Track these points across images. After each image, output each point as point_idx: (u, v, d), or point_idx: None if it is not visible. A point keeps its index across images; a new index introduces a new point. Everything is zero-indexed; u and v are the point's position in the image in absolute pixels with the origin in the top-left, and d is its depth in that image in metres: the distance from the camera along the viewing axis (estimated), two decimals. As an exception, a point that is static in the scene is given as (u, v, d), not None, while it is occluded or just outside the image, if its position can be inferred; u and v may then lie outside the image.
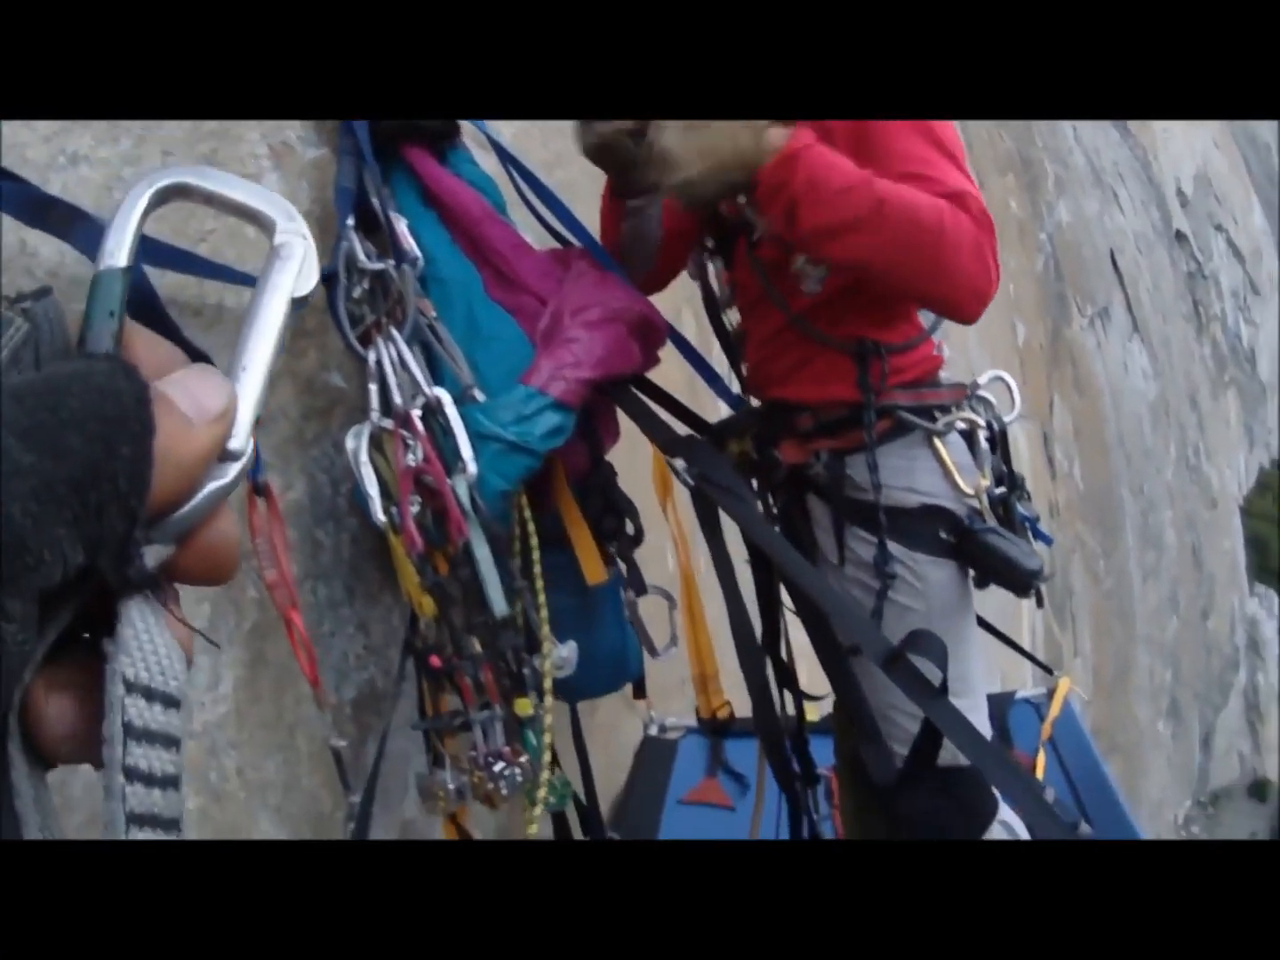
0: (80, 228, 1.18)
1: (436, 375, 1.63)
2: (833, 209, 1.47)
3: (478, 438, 1.54)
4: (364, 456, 1.55)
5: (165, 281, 1.39)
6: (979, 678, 1.75)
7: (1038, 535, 1.85)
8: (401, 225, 1.67)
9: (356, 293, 1.61)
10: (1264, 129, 17.36)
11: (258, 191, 0.44)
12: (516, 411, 1.55)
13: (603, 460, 1.85)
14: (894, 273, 1.53)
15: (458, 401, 1.57)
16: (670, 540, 2.06)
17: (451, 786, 1.59)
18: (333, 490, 1.70)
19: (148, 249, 1.28)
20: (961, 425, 1.73)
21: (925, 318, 1.74)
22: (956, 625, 1.68)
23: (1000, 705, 2.63)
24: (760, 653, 1.77)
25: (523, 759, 1.59)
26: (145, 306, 1.21)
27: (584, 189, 2.09)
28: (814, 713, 2.05)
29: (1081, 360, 8.62)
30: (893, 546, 1.67)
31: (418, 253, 1.65)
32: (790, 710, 1.98)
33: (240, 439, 0.39)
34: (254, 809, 1.53)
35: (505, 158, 1.92)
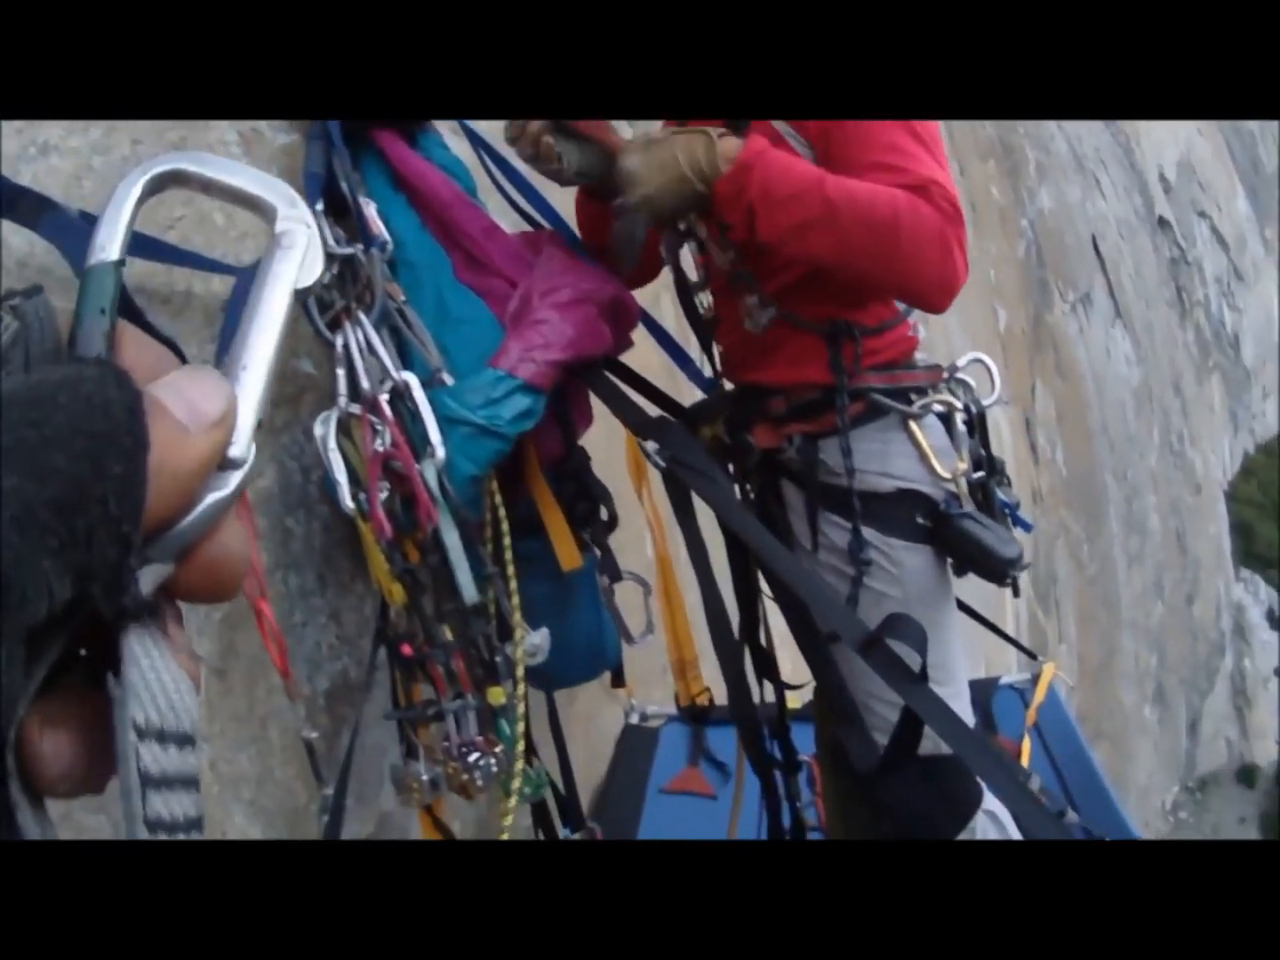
0: (49, 217, 1.17)
1: (406, 360, 1.61)
2: (787, 213, 1.51)
3: (446, 421, 1.52)
4: (332, 443, 1.53)
5: (132, 269, 1.37)
6: (960, 665, 1.73)
7: (1017, 522, 1.82)
8: (370, 209, 1.65)
9: (326, 278, 1.59)
10: (1247, 115, 17.41)
11: (257, 176, 0.41)
12: (485, 395, 1.53)
13: (576, 445, 1.83)
14: (852, 267, 1.55)
15: (426, 385, 1.55)
16: (648, 526, 2.05)
17: (426, 778, 1.57)
18: (303, 478, 1.68)
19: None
20: (938, 408, 1.70)
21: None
22: (935, 612, 1.66)
23: (984, 691, 2.62)
24: (736, 640, 1.75)
25: (498, 749, 1.58)
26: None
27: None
28: (796, 701, 2.03)
29: (1063, 346, 8.65)
30: (867, 532, 1.65)
31: (386, 236, 1.64)
32: (770, 698, 1.96)
33: (241, 445, 0.36)
34: (227, 802, 1.51)
35: (477, 142, 1.90)
